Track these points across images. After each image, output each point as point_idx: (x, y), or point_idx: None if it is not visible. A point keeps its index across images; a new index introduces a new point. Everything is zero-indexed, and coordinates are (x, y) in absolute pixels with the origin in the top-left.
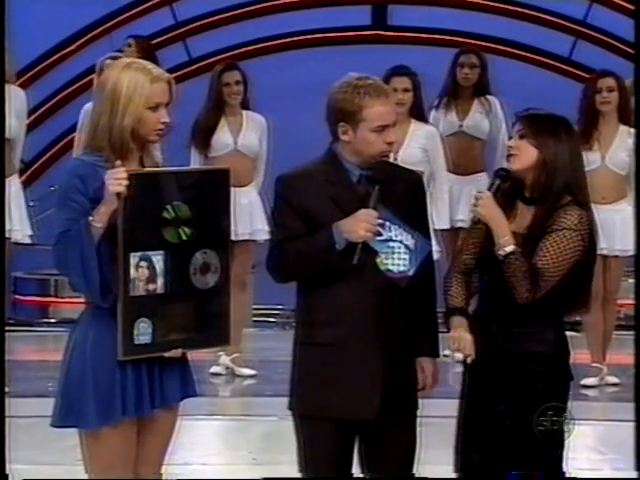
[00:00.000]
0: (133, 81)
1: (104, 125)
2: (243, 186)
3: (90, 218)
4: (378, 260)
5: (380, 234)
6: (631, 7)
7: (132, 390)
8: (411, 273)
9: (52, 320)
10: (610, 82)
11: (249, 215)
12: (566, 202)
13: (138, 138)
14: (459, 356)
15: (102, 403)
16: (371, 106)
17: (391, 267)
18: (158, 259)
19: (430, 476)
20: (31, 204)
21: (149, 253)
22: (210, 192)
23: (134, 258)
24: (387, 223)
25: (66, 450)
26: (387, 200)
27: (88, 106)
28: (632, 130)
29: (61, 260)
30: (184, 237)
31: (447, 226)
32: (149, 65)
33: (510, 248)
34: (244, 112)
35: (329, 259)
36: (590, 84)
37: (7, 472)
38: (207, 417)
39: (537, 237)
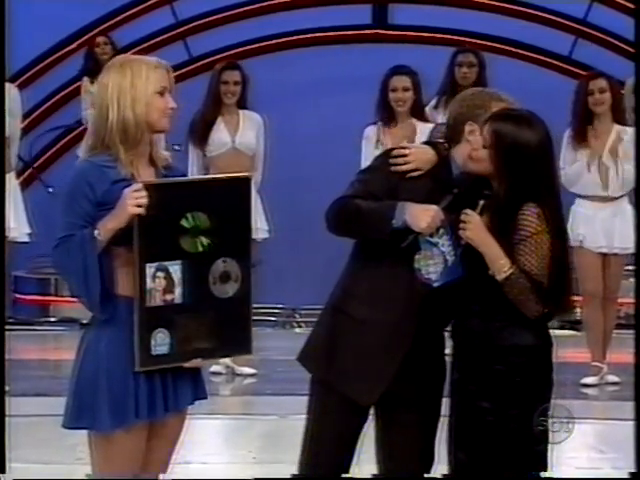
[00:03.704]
0: (137, 71)
1: (114, 121)
2: None
3: (96, 232)
4: (416, 257)
5: (431, 235)
6: (631, 6)
7: (145, 393)
8: (436, 285)
9: (52, 319)
10: (602, 83)
11: None
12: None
13: (150, 127)
14: None
15: (115, 406)
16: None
17: (423, 269)
18: (176, 269)
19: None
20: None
21: (166, 263)
22: (230, 200)
23: (150, 269)
24: (442, 230)
25: (66, 449)
26: (456, 212)
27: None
28: (628, 129)
29: (61, 265)
30: (202, 247)
31: None
32: (145, 56)
33: (509, 271)
34: (241, 111)
35: (381, 228)
36: (582, 86)
37: (6, 472)
38: (207, 416)
39: (502, 238)
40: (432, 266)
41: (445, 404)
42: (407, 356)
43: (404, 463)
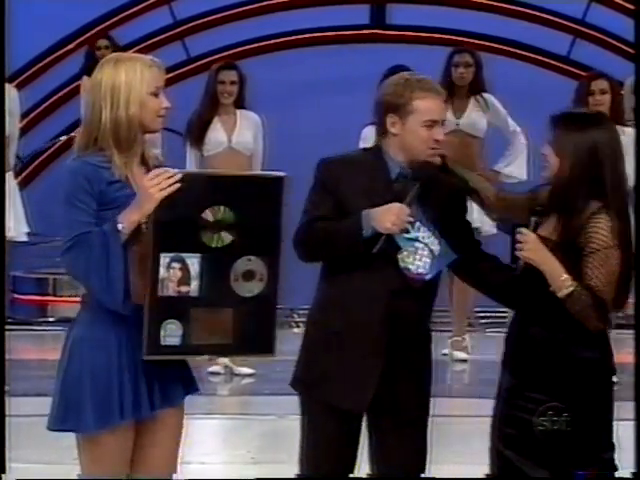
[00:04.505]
0: (131, 69)
1: (106, 120)
2: None
3: (120, 226)
4: (399, 256)
5: (407, 231)
6: (631, 7)
7: (130, 393)
8: (428, 277)
9: (51, 319)
10: (603, 84)
11: None
12: (596, 209)
13: (143, 127)
14: (458, 355)
15: (100, 407)
16: (421, 99)
17: (410, 266)
18: (193, 261)
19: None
20: None
21: (183, 255)
22: (261, 199)
23: (165, 258)
24: (418, 223)
25: (65, 449)
26: (424, 202)
27: None
28: (625, 129)
29: (79, 263)
30: (224, 242)
31: None
32: (139, 55)
33: (571, 287)
34: (238, 111)
35: (353, 243)
36: (583, 86)
37: (6, 471)
38: (205, 416)
39: (570, 248)
40: (419, 260)
41: (446, 404)
42: (392, 359)
43: (398, 465)
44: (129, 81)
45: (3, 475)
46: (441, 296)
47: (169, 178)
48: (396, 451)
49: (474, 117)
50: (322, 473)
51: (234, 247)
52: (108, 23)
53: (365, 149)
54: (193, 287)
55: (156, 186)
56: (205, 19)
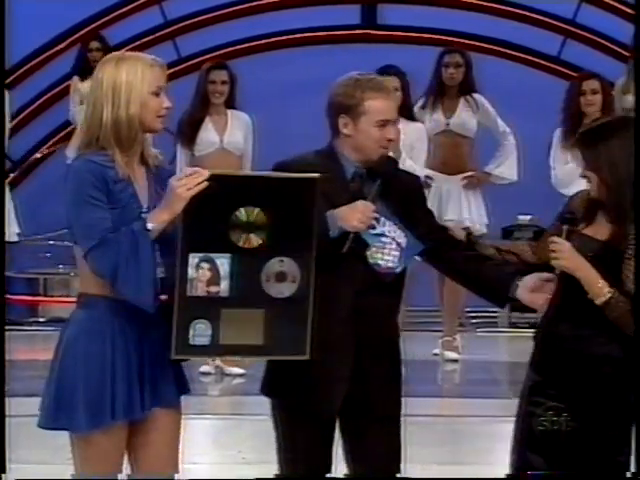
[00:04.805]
0: (132, 69)
1: (107, 120)
2: None
3: (149, 225)
4: (368, 253)
5: (373, 227)
6: (621, 7)
7: (122, 393)
8: (398, 270)
9: (41, 319)
10: (594, 84)
11: None
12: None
13: (143, 127)
14: (449, 355)
15: (92, 407)
16: (373, 99)
17: (380, 261)
18: (223, 262)
19: (419, 474)
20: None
21: (212, 255)
22: (294, 200)
23: (194, 258)
24: (382, 218)
25: (57, 449)
26: (385, 197)
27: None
28: None
29: (105, 263)
30: (254, 243)
31: None
32: (141, 54)
33: (608, 294)
34: (229, 111)
35: (322, 246)
36: (574, 86)
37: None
38: (197, 416)
39: (616, 250)
40: (387, 255)
41: (437, 404)
42: (361, 358)
43: (373, 464)
44: (130, 80)
45: (3, 475)
46: (432, 296)
47: (197, 177)
48: (370, 451)
49: (464, 117)
50: (299, 474)
51: (265, 248)
52: (99, 23)
53: (318, 150)
54: (223, 287)
55: (184, 186)
56: (196, 19)
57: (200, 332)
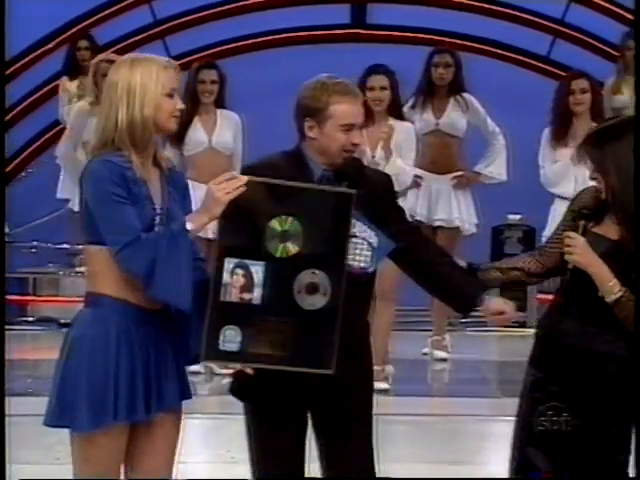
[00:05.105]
0: (147, 71)
1: (123, 121)
2: None
3: (189, 226)
4: None
5: None
6: (610, 7)
7: (125, 394)
8: (371, 270)
9: (30, 319)
10: (584, 84)
11: None
12: None
13: (157, 128)
14: (438, 354)
15: (95, 407)
16: (338, 103)
17: (352, 262)
18: (257, 269)
19: (407, 473)
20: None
21: (247, 262)
22: (330, 213)
23: (229, 264)
24: (352, 219)
25: (45, 449)
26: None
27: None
28: None
29: (140, 262)
30: (289, 253)
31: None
32: (155, 56)
33: (619, 293)
34: (218, 110)
35: None
36: (563, 85)
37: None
38: (186, 415)
39: (628, 251)
40: (359, 255)
41: (424, 404)
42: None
43: (346, 469)
44: (144, 83)
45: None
46: (421, 296)
47: (236, 182)
48: (342, 452)
49: (454, 117)
50: (273, 475)
51: (299, 258)
52: (89, 22)
53: (285, 152)
54: (256, 295)
55: (223, 189)
56: (185, 18)
57: (230, 338)
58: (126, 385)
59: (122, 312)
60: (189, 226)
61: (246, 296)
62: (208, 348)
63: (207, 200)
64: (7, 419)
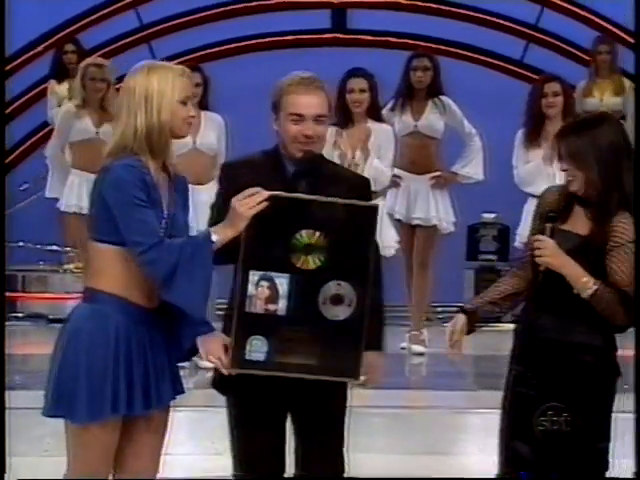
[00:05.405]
0: (163, 78)
1: (141, 126)
2: (203, 184)
3: (214, 237)
4: None
5: None
6: (582, 13)
7: (124, 389)
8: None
9: (20, 315)
10: (556, 87)
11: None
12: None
13: (172, 133)
14: (416, 348)
15: (93, 399)
16: (289, 94)
17: None
18: (282, 281)
19: (385, 464)
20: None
21: (272, 274)
22: (354, 226)
23: (254, 276)
24: None
25: (33, 441)
26: (327, 196)
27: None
28: None
29: (162, 267)
30: (313, 264)
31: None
32: (170, 64)
33: (594, 287)
34: (202, 112)
35: None
36: (536, 88)
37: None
38: (171, 409)
39: (597, 245)
40: None
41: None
42: None
43: (316, 466)
44: (161, 89)
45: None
46: (399, 292)
47: (258, 197)
48: (315, 451)
49: (432, 119)
50: (254, 471)
51: (324, 270)
52: (75, 27)
53: (264, 151)
54: (281, 306)
55: (246, 204)
56: (170, 23)
57: (256, 348)
58: (125, 379)
59: (122, 309)
60: (214, 238)
61: (271, 307)
62: (235, 357)
63: (231, 215)
64: (7, 412)
